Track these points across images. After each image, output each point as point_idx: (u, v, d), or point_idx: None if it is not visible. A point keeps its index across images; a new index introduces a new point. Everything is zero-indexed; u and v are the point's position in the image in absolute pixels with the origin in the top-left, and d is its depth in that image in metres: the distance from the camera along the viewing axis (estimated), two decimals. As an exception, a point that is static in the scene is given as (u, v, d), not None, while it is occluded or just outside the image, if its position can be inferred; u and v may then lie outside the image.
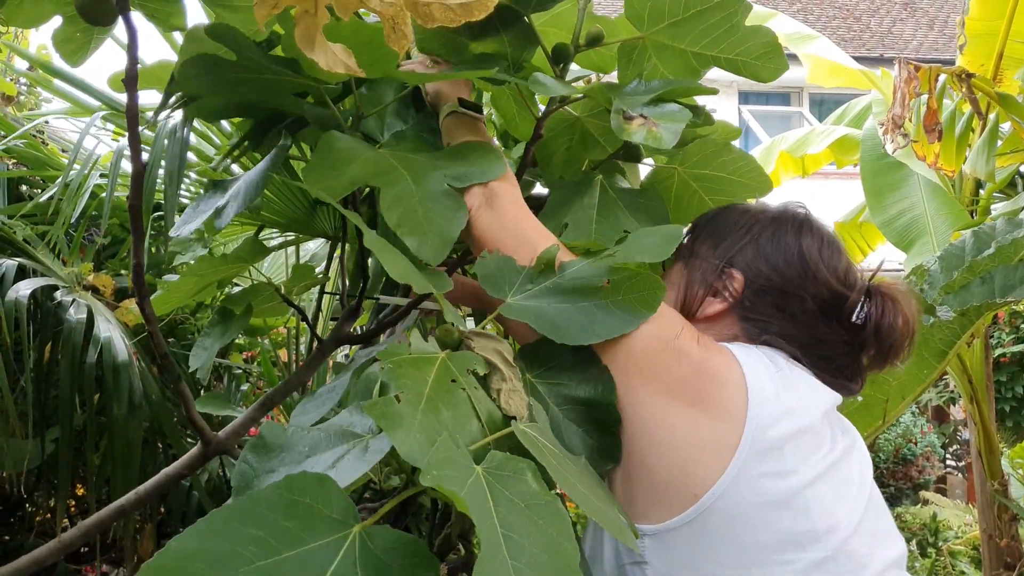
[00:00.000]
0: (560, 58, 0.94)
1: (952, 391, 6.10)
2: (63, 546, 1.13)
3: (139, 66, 0.89)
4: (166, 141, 1.26)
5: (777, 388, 0.72)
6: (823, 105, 9.84)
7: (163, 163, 1.25)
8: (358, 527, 0.51)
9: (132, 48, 0.86)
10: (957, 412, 7.26)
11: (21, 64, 2.78)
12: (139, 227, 0.93)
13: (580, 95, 0.94)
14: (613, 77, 1.02)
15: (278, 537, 0.48)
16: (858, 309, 0.81)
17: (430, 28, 0.92)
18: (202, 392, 1.73)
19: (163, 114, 1.19)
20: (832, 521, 0.68)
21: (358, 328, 1.23)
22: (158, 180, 1.35)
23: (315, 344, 1.16)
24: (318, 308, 1.82)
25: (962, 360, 2.93)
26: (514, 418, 0.65)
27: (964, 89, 2.21)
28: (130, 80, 0.87)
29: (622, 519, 0.63)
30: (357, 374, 0.81)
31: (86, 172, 1.62)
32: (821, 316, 0.81)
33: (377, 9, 0.65)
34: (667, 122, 0.82)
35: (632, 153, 1.03)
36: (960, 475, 7.32)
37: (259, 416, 1.20)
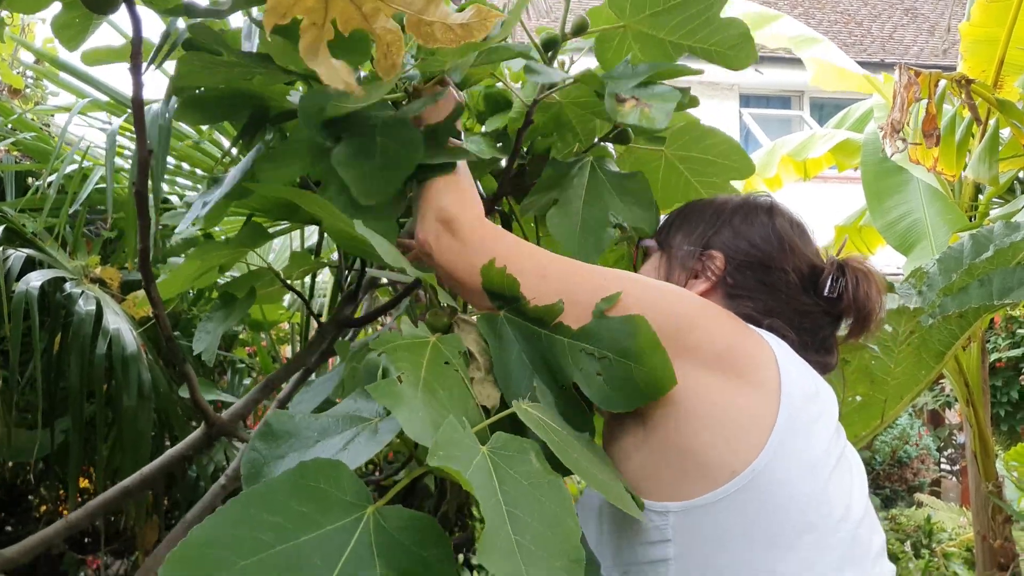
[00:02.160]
0: (549, 46, 0.97)
1: (948, 395, 6.12)
2: (70, 525, 1.14)
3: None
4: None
5: (801, 370, 0.74)
6: (824, 109, 9.85)
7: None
8: (371, 508, 0.53)
9: (136, 34, 0.88)
10: (952, 416, 7.30)
11: (27, 58, 2.79)
12: (144, 212, 0.95)
13: (571, 81, 0.96)
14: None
15: (294, 522, 0.50)
16: (832, 281, 0.84)
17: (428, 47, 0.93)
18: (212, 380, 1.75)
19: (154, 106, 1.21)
20: (847, 506, 0.70)
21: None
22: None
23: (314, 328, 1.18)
24: (311, 293, 1.83)
25: (959, 363, 2.96)
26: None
27: (963, 95, 2.23)
28: (135, 67, 0.89)
29: (626, 493, 0.64)
30: (351, 364, 0.82)
31: (86, 164, 1.64)
32: (801, 289, 0.84)
33: (377, 32, 0.65)
34: (658, 103, 0.85)
35: (621, 136, 1.05)
36: (954, 478, 7.35)
37: (261, 398, 1.22)
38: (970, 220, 3.18)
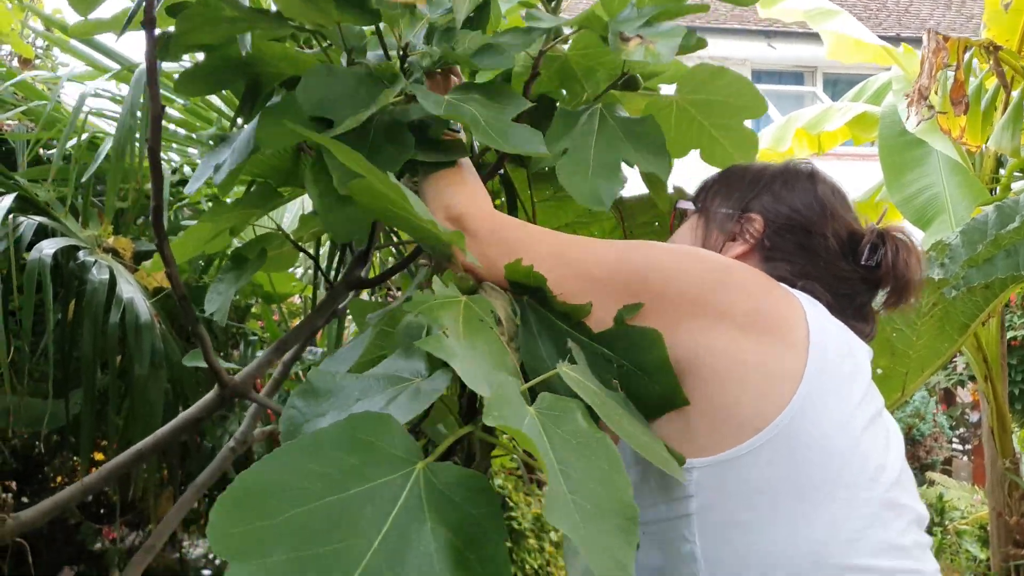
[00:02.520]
0: None
1: (960, 373, 6.08)
2: (85, 489, 1.14)
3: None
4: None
5: (833, 328, 0.74)
6: (837, 85, 9.73)
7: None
8: (421, 464, 0.52)
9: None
10: (964, 395, 7.25)
11: (36, 32, 2.77)
12: (158, 169, 0.94)
13: (575, 28, 0.95)
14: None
15: (344, 473, 0.49)
16: (871, 249, 0.84)
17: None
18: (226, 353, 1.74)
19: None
20: (880, 467, 0.69)
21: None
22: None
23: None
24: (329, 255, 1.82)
25: (978, 339, 2.92)
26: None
27: (991, 62, 2.18)
28: (148, 22, 0.88)
29: (668, 454, 0.64)
30: (378, 328, 0.81)
31: (96, 134, 1.62)
32: (840, 255, 0.83)
33: None
34: (663, 39, 0.85)
35: (630, 83, 1.04)
36: (966, 458, 7.33)
37: (273, 359, 1.21)
38: (991, 193, 3.12)
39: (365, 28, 0.96)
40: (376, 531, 0.48)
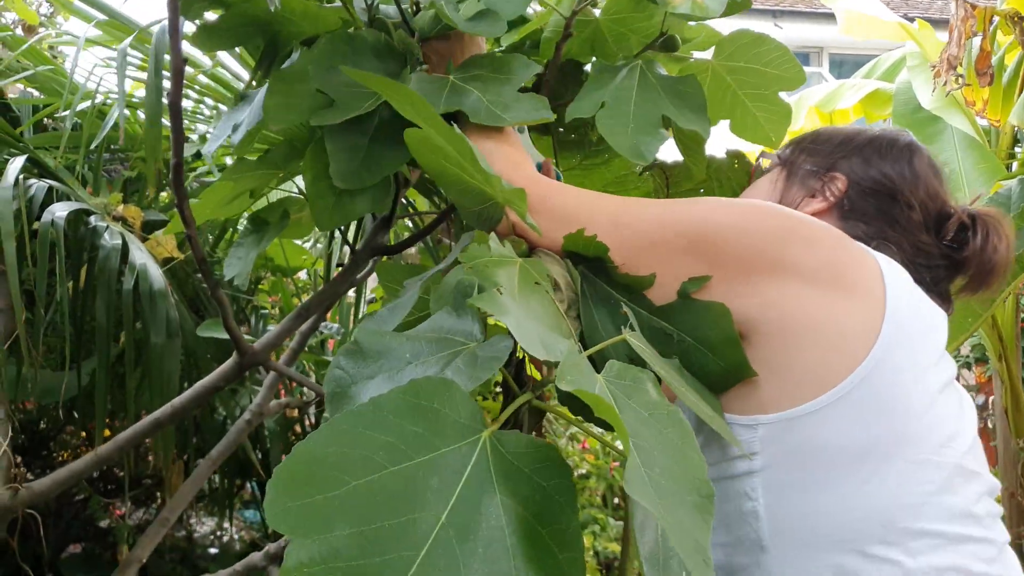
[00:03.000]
0: None
1: (967, 356, 6.06)
2: (99, 459, 1.11)
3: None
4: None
5: (908, 286, 0.70)
6: (843, 66, 9.65)
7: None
8: (487, 432, 0.48)
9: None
10: (970, 376, 7.23)
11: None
12: (179, 124, 0.90)
13: None
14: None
15: (407, 443, 0.46)
16: (959, 229, 0.81)
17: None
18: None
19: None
20: (952, 434, 0.66)
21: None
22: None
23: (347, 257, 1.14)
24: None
25: (994, 318, 2.89)
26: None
27: (1016, 32, 2.12)
28: None
29: (727, 426, 0.62)
30: (426, 289, 0.77)
31: (103, 101, 1.57)
32: (924, 228, 0.80)
33: None
34: None
35: (668, 44, 1.00)
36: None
37: (295, 327, 1.18)
38: (1008, 170, 3.07)
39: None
40: (444, 503, 0.45)
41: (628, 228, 0.72)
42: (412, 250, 1.66)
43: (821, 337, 0.66)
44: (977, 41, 2.23)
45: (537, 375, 1.04)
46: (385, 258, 1.09)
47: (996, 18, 2.19)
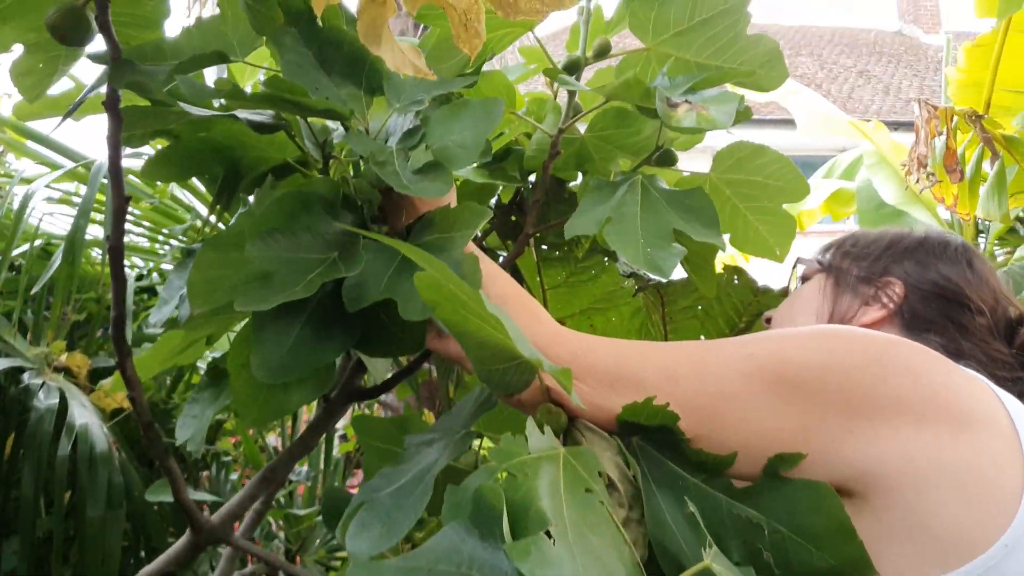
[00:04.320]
0: (572, 69, 0.93)
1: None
2: None
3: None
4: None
5: (1019, 403, 0.57)
6: (803, 168, 10.04)
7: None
8: None
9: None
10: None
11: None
12: (120, 271, 0.78)
13: (603, 100, 0.89)
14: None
15: None
16: None
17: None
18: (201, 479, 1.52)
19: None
20: None
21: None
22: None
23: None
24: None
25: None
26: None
27: (976, 128, 2.16)
28: (111, 103, 0.74)
29: None
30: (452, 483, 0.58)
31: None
32: (993, 335, 0.70)
33: (450, 1, 0.55)
34: (716, 104, 0.76)
35: (665, 158, 0.95)
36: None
37: (258, 494, 1.01)
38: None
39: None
40: None
41: (689, 381, 0.57)
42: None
43: (958, 487, 0.52)
44: (940, 141, 2.27)
45: None
46: (357, 408, 0.95)
47: (955, 117, 2.23)
